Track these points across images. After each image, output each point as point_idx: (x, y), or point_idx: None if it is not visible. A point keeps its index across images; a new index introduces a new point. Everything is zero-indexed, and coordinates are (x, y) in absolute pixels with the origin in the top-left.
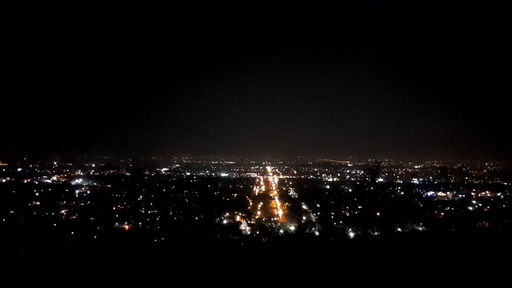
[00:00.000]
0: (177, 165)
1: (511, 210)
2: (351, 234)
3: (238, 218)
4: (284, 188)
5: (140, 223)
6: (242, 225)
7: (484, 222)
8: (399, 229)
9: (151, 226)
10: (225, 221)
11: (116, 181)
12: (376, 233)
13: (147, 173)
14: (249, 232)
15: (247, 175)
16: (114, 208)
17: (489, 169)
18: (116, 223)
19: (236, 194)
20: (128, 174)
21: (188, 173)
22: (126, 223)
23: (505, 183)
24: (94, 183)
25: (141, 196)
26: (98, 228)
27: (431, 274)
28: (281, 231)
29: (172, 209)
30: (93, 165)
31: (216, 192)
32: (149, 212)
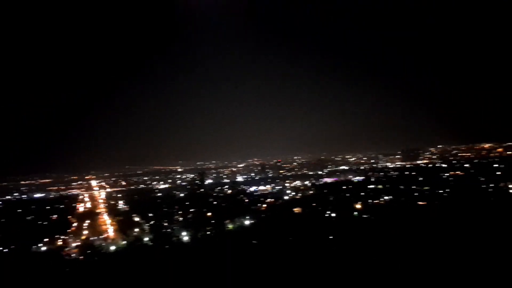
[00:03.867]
0: None
1: (316, 195)
2: (185, 238)
3: (60, 242)
4: (112, 202)
5: None
6: (66, 248)
7: (297, 209)
8: (229, 226)
9: None
10: (43, 248)
11: None
12: (208, 232)
13: None
14: (75, 256)
15: (68, 192)
16: None
17: (298, 161)
18: None
19: (56, 216)
20: None
21: None
22: None
23: (310, 172)
24: None
25: None
26: None
27: (256, 260)
28: (112, 248)
29: None
30: None
31: (30, 217)
32: None
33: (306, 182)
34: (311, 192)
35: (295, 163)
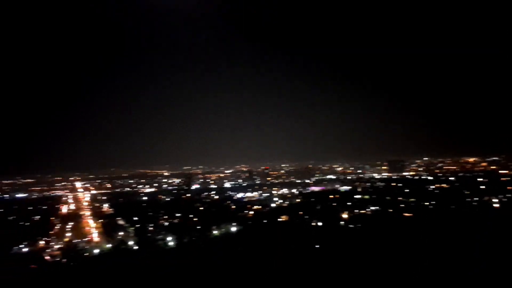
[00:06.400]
0: None
1: (303, 204)
2: (171, 244)
3: (42, 244)
4: (97, 204)
5: None
6: (48, 250)
7: (284, 217)
8: (215, 232)
9: None
10: (25, 250)
11: None
12: (194, 238)
13: None
14: (57, 259)
15: (51, 193)
16: None
17: (286, 169)
18: None
19: (38, 217)
20: None
21: None
22: None
23: (298, 181)
24: None
25: None
26: None
27: (243, 269)
28: (96, 251)
29: None
30: None
31: (11, 217)
32: None
33: (294, 190)
34: (298, 200)
35: (283, 171)
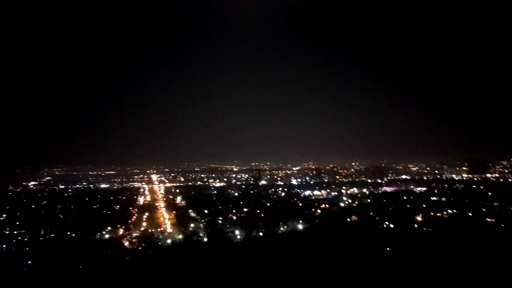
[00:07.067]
0: (48, 178)
1: (374, 204)
2: (238, 237)
3: (121, 232)
4: (171, 197)
5: (3, 246)
6: (127, 238)
7: (353, 217)
8: (282, 229)
9: (19, 248)
10: (106, 236)
11: None
12: (261, 233)
13: (11, 188)
14: (134, 246)
15: (130, 185)
16: None
17: (356, 168)
18: None
19: (118, 206)
20: None
21: (62, 186)
22: None
23: (369, 180)
24: None
25: (4, 215)
26: None
27: (310, 268)
28: (169, 241)
29: (44, 227)
30: None
31: (96, 205)
32: (15, 232)
33: (364, 190)
34: (369, 200)
35: (352, 169)
